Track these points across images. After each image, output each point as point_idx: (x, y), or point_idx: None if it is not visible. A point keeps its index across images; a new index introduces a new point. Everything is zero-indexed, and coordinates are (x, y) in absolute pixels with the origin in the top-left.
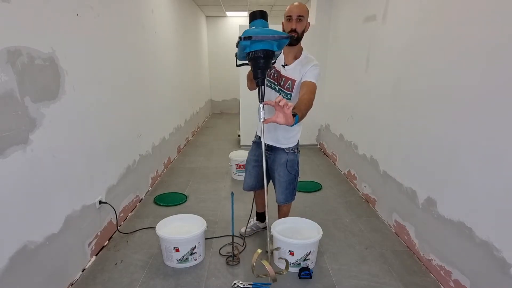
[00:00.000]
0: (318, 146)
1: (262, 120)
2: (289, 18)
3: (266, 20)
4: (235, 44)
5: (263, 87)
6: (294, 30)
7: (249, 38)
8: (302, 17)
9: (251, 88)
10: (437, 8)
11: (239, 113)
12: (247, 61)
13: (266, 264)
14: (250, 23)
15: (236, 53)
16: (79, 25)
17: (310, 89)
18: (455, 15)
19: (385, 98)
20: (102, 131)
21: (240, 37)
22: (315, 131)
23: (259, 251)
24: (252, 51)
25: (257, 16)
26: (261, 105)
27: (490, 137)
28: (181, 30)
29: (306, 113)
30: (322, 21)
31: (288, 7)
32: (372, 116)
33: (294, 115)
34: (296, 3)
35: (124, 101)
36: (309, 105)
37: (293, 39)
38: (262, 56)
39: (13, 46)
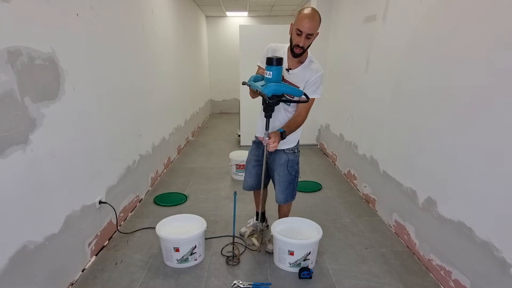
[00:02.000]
0: (318, 146)
1: (265, 145)
2: (299, 32)
3: (282, 64)
4: (256, 89)
5: (269, 118)
6: (300, 47)
7: (276, 96)
8: (311, 35)
9: (253, 97)
10: (437, 8)
11: (239, 113)
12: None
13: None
14: (267, 65)
15: (248, 83)
16: (79, 25)
17: (308, 107)
18: (455, 15)
19: (385, 98)
20: (102, 131)
21: (269, 100)
22: (315, 131)
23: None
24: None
25: (274, 63)
26: (266, 132)
27: (490, 137)
28: (181, 30)
29: (295, 130)
30: (322, 21)
31: (302, 17)
32: (372, 116)
33: (282, 131)
34: (310, 14)
35: (124, 101)
36: (299, 126)
37: (297, 56)
38: (274, 99)
39: (13, 46)
